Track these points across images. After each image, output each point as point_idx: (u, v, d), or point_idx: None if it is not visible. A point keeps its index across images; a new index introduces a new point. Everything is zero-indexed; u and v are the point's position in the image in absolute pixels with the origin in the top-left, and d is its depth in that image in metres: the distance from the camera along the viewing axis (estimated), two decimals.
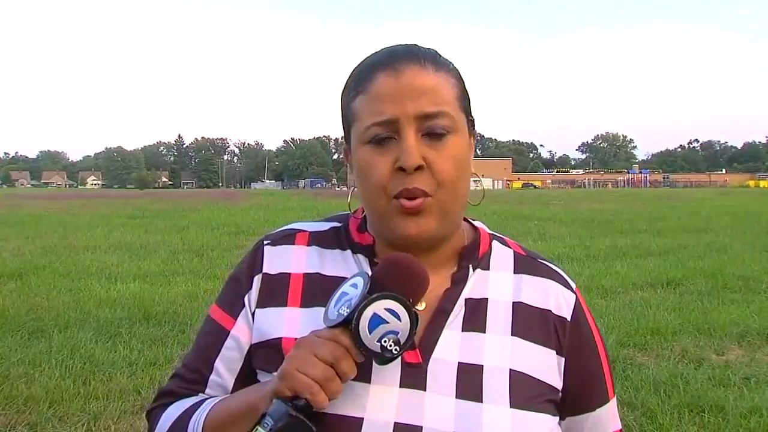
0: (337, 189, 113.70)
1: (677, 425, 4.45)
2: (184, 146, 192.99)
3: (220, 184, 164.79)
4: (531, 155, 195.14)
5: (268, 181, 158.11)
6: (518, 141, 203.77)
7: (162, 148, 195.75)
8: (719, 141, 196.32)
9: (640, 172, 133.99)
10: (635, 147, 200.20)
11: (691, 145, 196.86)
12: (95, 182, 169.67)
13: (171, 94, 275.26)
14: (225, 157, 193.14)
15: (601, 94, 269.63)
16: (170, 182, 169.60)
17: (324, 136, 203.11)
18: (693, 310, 7.68)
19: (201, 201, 38.04)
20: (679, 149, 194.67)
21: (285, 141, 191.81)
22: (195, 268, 11.22)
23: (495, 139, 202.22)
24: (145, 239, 16.11)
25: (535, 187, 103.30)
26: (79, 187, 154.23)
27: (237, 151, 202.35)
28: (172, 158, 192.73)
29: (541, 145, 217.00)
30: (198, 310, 7.60)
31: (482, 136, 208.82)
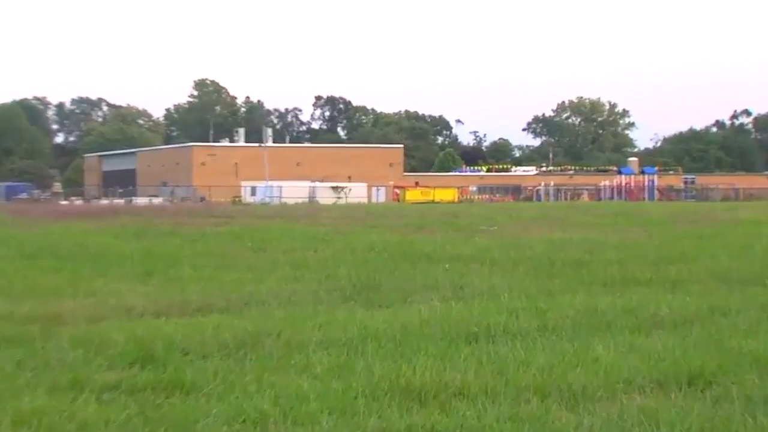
0: (64, 202, 66.38)
1: None
2: None
3: None
4: (440, 139, 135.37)
5: None
6: (417, 114, 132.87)
7: None
8: None
9: (642, 172, 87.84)
10: (633, 125, 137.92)
11: (736, 122, 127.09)
12: None
13: None
14: None
15: (571, 34, 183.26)
16: None
17: (35, 98, 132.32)
18: (737, 431, 5.80)
19: None
20: (715, 128, 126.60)
21: None
22: None
23: (373, 110, 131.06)
24: None
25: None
26: None
27: None
28: None
29: (459, 121, 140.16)
30: None
31: (348, 105, 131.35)
